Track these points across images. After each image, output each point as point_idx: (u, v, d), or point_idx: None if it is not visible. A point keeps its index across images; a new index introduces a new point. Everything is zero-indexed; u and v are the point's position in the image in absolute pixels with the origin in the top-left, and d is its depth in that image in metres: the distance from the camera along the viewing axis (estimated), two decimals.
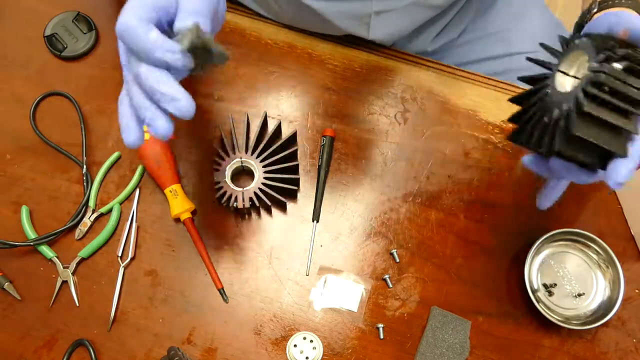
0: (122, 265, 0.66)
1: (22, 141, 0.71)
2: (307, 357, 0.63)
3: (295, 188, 0.68)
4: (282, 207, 0.69)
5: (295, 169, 0.68)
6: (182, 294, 0.66)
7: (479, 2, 0.84)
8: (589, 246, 0.67)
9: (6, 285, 0.64)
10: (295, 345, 0.63)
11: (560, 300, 0.66)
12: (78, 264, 0.66)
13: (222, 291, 0.65)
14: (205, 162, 0.70)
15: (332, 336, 0.64)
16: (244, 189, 0.65)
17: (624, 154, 0.43)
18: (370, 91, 0.74)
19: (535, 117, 0.47)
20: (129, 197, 0.69)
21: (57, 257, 0.66)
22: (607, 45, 0.42)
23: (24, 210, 0.67)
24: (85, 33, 0.74)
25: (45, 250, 0.66)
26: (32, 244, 0.65)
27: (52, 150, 0.70)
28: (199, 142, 0.71)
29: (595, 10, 0.53)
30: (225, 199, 0.65)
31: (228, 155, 0.67)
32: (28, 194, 0.69)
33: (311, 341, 0.63)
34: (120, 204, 0.68)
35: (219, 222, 0.68)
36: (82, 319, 0.64)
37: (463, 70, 0.75)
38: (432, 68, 0.76)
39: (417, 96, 0.74)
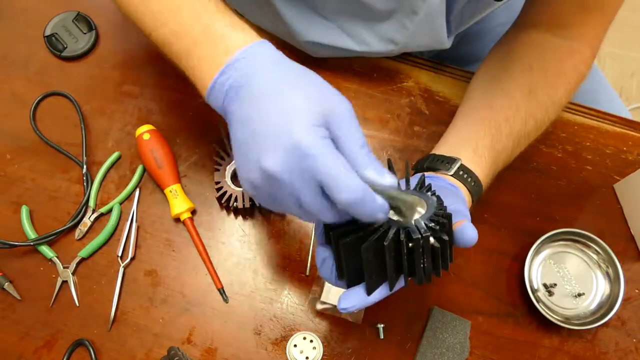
0: (122, 265, 0.66)
1: (22, 141, 0.71)
2: (307, 357, 0.63)
3: None
4: None
5: None
6: (182, 294, 0.65)
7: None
8: (589, 246, 0.67)
9: (6, 285, 0.64)
10: (295, 345, 0.63)
11: (560, 300, 0.66)
12: (78, 264, 0.66)
13: (222, 291, 0.65)
14: (205, 162, 0.70)
15: (332, 336, 0.64)
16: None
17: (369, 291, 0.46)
18: (370, 91, 0.74)
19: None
20: (129, 197, 0.69)
21: (57, 257, 0.66)
22: (438, 216, 0.44)
23: (24, 210, 0.67)
24: (85, 33, 0.74)
25: (45, 250, 0.66)
26: (32, 244, 0.65)
27: (52, 150, 0.70)
28: (199, 142, 0.71)
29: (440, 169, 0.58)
30: (225, 199, 0.65)
31: (228, 155, 0.67)
32: (28, 194, 0.69)
33: (311, 341, 0.63)
34: (120, 204, 0.68)
35: (219, 222, 0.68)
36: (82, 319, 0.64)
37: (463, 70, 0.75)
38: (432, 68, 0.76)
39: (417, 96, 0.74)
